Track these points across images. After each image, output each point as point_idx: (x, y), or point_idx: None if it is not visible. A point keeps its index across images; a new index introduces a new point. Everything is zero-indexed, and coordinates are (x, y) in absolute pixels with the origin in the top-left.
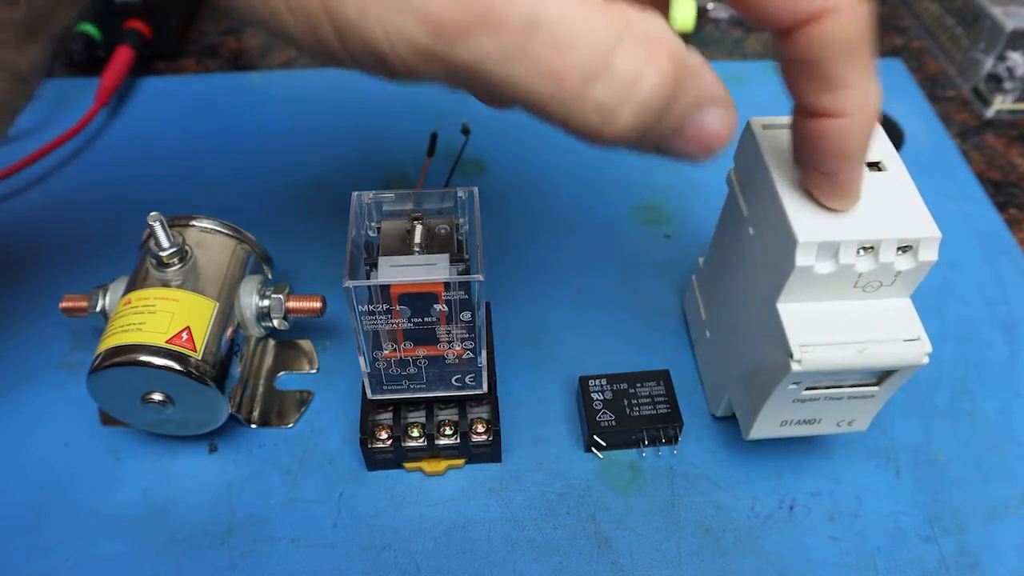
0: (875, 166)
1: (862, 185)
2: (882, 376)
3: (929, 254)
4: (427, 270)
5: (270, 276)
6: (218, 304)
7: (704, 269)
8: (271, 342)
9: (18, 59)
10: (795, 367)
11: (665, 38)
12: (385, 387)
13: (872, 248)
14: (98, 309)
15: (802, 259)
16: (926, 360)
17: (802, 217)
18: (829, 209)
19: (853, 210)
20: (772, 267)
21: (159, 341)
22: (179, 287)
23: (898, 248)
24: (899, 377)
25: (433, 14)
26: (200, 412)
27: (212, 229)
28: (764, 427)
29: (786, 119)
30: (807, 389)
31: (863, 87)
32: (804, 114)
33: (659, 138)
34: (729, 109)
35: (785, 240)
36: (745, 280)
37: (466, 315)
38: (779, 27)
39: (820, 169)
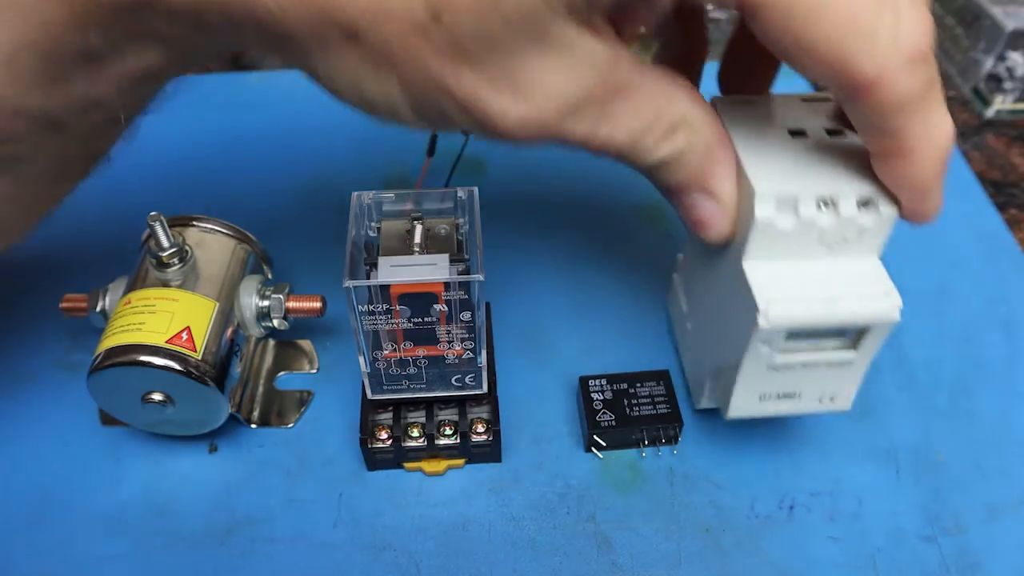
0: (838, 132)
1: (942, 198)
2: (856, 338)
3: (890, 209)
4: (427, 270)
5: (270, 276)
6: (218, 304)
7: (684, 262)
8: (271, 342)
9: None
10: (762, 322)
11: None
12: (385, 387)
13: (832, 203)
14: (98, 309)
15: (761, 210)
16: (898, 316)
17: (760, 173)
18: (788, 170)
19: (813, 167)
20: (737, 227)
21: (159, 341)
22: (179, 287)
23: (859, 204)
24: (874, 339)
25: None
26: (200, 412)
27: (212, 229)
28: (743, 402)
29: (745, 97)
30: (781, 352)
31: (926, 127)
32: (876, 158)
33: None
34: (723, 208)
35: (746, 194)
36: (715, 253)
37: (466, 315)
38: (833, 90)
39: (902, 198)
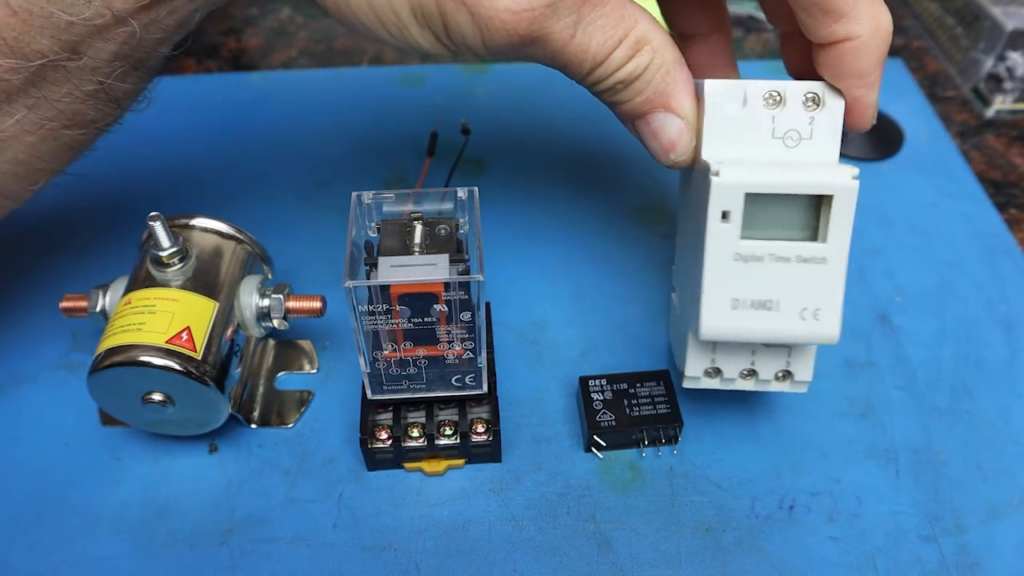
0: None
1: (876, 109)
2: (823, 227)
3: (836, 101)
4: (427, 270)
5: (270, 276)
6: (218, 304)
7: (675, 264)
8: (271, 342)
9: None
10: (715, 180)
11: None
12: (385, 387)
13: (780, 96)
14: (98, 309)
15: (711, 95)
16: (855, 183)
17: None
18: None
19: (761, 80)
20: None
21: (159, 341)
22: (179, 287)
23: (806, 99)
24: (839, 223)
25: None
26: (200, 412)
27: (212, 229)
28: (715, 312)
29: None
30: (744, 239)
31: (868, 9)
32: (821, 49)
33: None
34: (688, 125)
35: (700, 99)
36: (688, 201)
37: (466, 315)
38: None
39: (847, 86)
